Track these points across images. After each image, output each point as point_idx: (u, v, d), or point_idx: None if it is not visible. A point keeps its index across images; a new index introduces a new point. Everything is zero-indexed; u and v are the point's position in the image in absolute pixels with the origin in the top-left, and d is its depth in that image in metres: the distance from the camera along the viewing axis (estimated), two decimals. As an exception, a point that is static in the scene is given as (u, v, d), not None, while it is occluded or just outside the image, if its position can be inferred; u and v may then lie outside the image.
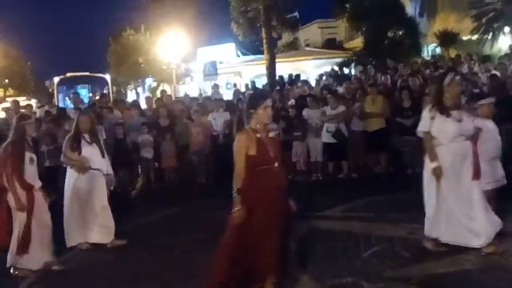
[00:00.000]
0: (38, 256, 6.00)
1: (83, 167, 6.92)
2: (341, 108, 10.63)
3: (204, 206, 8.97)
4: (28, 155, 6.00)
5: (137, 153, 11.15)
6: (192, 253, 6.41)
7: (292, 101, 12.56)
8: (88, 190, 6.96)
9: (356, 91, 11.68)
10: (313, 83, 15.81)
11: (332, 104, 10.68)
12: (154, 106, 13.07)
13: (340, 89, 13.13)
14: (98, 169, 7.05)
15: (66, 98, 21.07)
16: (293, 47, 32.90)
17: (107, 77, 25.96)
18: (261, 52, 26.08)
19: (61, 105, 16.12)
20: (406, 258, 5.65)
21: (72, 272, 6.10)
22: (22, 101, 20.20)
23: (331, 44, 34.02)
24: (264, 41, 24.03)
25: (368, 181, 9.98)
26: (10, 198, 5.84)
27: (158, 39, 25.80)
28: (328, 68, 21.04)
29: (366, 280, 5.11)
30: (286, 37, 32.70)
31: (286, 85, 17.06)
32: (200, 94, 19.95)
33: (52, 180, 10.25)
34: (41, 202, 6.06)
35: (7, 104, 20.02)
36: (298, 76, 19.99)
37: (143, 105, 13.70)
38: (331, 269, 5.48)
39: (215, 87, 15.46)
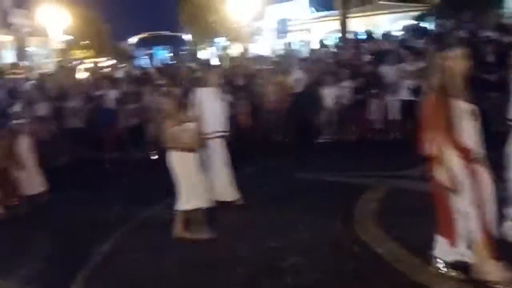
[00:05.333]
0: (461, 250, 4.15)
1: None
2: (420, 63, 10.26)
3: (280, 164, 9.08)
4: (464, 106, 4.01)
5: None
6: (269, 210, 6.51)
7: (367, 57, 12.23)
8: None
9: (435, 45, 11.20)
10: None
11: (411, 60, 10.33)
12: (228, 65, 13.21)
13: (419, 44, 12.63)
14: None
15: (144, 57, 21.44)
16: (367, 1, 31.81)
17: (187, 36, 26.00)
18: (334, 8, 25.43)
19: (139, 65, 16.48)
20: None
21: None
22: (103, 61, 20.97)
23: (406, -3, 32.55)
24: (337, -4, 23.38)
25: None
26: (439, 173, 4.01)
27: (229, -3, 25.72)
28: (404, 23, 20.24)
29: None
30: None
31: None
32: (272, 52, 19.83)
33: (138, 138, 10.74)
34: (484, 176, 4.04)
35: (87, 65, 20.87)
36: (371, 33, 19.38)
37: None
38: (411, 230, 5.39)
39: (288, 45, 15.30)
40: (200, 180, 5.77)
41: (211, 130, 6.56)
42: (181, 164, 5.67)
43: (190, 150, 5.68)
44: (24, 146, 7.91)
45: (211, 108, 6.63)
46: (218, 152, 6.70)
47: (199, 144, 5.84)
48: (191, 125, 5.74)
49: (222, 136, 6.77)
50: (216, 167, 6.67)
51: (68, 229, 6.55)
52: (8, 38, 27.04)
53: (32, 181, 7.83)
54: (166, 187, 7.81)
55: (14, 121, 8.30)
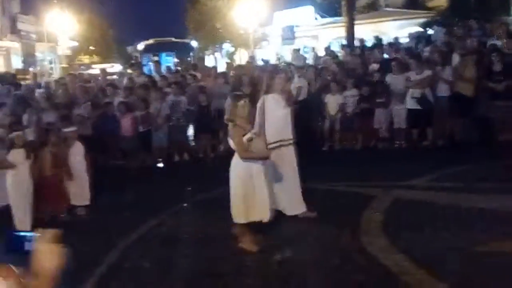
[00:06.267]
0: None
1: None
2: (427, 72, 10.27)
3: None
4: None
5: (220, 120, 11.32)
6: (276, 222, 6.40)
7: (374, 66, 12.20)
8: None
9: (443, 53, 11.19)
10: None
11: (416, 69, 10.34)
12: (232, 72, 13.21)
13: (425, 52, 12.60)
14: None
15: (150, 64, 21.56)
16: (372, 8, 31.86)
17: (193, 43, 26.10)
18: (340, 14, 25.46)
19: (145, 71, 16.50)
20: (498, 232, 5.47)
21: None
22: (109, 67, 21.05)
23: (413, 4, 32.53)
24: (343, 2, 23.39)
25: (455, 149, 9.64)
26: None
27: (236, 3, 25.86)
28: (410, 30, 20.22)
29: (454, 254, 5.00)
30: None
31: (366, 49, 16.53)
32: (278, 59, 19.86)
33: (146, 144, 10.76)
34: None
35: (94, 71, 21.00)
36: (380, 40, 19.35)
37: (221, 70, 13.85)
38: (417, 242, 5.40)
39: (296, 52, 15.29)
40: (262, 193, 5.41)
41: (279, 138, 6.21)
42: (246, 174, 5.40)
43: (264, 158, 5.48)
44: (78, 154, 7.65)
45: (277, 114, 6.29)
46: (287, 161, 6.32)
47: (268, 153, 5.63)
48: (259, 133, 5.55)
49: (291, 144, 6.39)
50: (285, 177, 6.27)
51: (74, 236, 6.55)
52: (16, 44, 27.25)
53: (81, 190, 7.56)
54: (174, 196, 7.89)
55: (66, 129, 7.89)
